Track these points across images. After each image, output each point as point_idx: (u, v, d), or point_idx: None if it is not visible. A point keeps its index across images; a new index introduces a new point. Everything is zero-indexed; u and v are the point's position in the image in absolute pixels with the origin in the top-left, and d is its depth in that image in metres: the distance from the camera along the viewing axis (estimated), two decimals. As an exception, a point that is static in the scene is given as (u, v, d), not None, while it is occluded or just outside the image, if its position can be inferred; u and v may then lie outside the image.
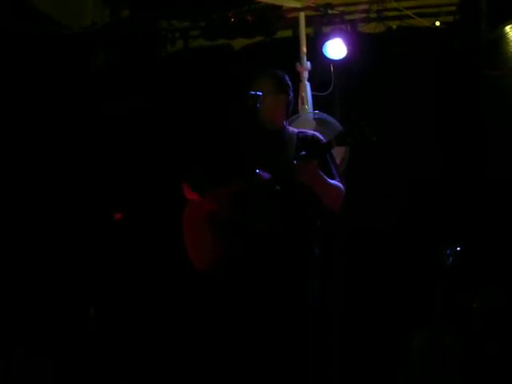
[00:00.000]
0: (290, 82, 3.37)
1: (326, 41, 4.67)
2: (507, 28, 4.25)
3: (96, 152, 4.84)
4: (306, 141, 3.27)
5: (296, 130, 3.37)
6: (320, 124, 4.30)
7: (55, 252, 4.56)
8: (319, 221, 3.27)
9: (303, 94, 4.56)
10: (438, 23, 4.75)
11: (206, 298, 3.36)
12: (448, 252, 4.10)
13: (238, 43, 5.12)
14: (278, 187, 3.07)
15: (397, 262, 4.67)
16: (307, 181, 3.06)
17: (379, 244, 4.72)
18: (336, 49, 4.66)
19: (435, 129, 4.84)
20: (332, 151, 3.24)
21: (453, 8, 4.81)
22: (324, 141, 3.26)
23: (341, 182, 3.24)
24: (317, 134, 3.38)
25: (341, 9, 4.78)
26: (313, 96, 4.61)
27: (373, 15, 4.84)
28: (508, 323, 3.95)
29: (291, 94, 3.37)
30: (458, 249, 4.10)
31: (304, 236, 3.18)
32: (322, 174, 3.11)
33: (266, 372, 3.07)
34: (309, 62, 4.64)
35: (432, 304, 4.06)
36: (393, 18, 4.85)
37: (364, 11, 4.82)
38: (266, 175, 3.11)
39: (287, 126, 3.39)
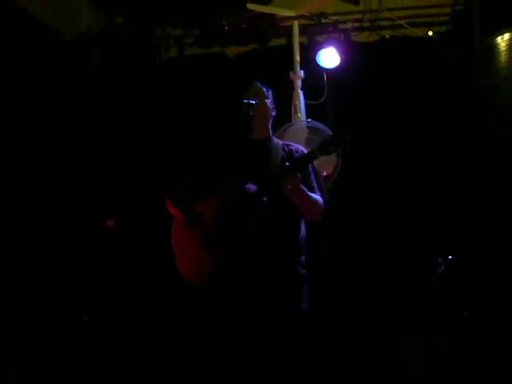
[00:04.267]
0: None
1: (320, 49, 4.70)
2: (498, 39, 4.29)
3: (87, 159, 4.83)
4: (290, 153, 3.29)
5: (281, 142, 3.39)
6: (313, 132, 4.31)
7: (47, 256, 4.54)
8: (304, 228, 3.28)
9: (296, 102, 4.57)
10: (430, 33, 4.79)
11: (197, 305, 3.36)
12: (440, 260, 4.12)
13: (232, 51, 5.14)
14: (264, 199, 3.08)
15: (391, 267, 4.68)
16: (289, 193, 3.07)
17: (373, 249, 4.73)
18: (329, 57, 4.69)
19: (428, 136, 4.86)
20: (315, 164, 3.26)
21: (445, 18, 4.86)
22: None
23: (322, 196, 3.24)
24: (301, 147, 3.40)
25: (334, 18, 4.81)
26: (306, 104, 4.62)
27: (366, 24, 4.88)
28: (501, 329, 3.96)
29: (273, 103, 3.41)
30: (450, 257, 4.12)
31: (289, 244, 3.19)
32: (304, 187, 3.11)
33: (256, 377, 3.08)
34: (302, 71, 4.64)
35: (427, 310, 4.08)
36: (386, 28, 4.90)
37: (357, 20, 4.85)
38: (253, 187, 3.12)
39: (272, 137, 3.41)
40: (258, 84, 3.39)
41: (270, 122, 3.41)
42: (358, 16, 4.84)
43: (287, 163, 3.08)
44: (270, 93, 3.42)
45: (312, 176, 3.26)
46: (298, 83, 4.62)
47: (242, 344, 3.09)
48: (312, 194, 3.18)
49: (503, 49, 4.25)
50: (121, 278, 4.79)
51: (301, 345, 3.15)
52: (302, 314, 3.18)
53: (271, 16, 4.88)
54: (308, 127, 4.37)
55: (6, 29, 4.27)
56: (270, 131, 3.42)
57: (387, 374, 4.33)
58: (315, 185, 3.24)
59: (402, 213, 4.73)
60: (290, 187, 3.03)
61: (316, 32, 4.82)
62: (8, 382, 4.11)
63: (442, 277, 4.07)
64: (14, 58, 4.38)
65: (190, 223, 3.17)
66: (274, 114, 3.43)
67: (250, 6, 4.64)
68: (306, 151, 3.34)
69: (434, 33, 4.79)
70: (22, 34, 4.40)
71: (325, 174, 4.15)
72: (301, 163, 3.12)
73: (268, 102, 3.37)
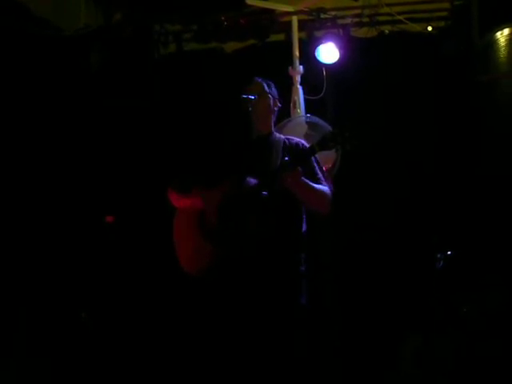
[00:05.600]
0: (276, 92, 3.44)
1: (319, 45, 4.69)
2: (498, 34, 4.28)
3: (87, 155, 4.83)
4: (291, 148, 3.30)
5: (283, 137, 3.39)
6: (312, 128, 4.31)
7: (46, 254, 4.54)
8: (305, 225, 3.28)
9: (295, 97, 4.57)
10: (430, 28, 4.79)
11: (197, 301, 3.36)
12: (438, 256, 4.12)
13: (231, 47, 5.13)
14: (264, 193, 3.08)
15: (393, 263, 4.69)
16: (291, 187, 3.07)
17: (375, 245, 4.74)
18: (328, 53, 4.69)
19: (428, 131, 4.87)
20: (317, 155, 3.25)
21: (444, 13, 4.85)
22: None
23: (327, 185, 3.25)
24: (302, 141, 3.41)
25: (333, 13, 4.81)
26: (305, 100, 4.62)
27: (365, 20, 4.88)
28: (503, 326, 3.96)
29: (278, 103, 3.42)
30: (449, 253, 4.12)
31: (290, 240, 3.19)
32: (306, 180, 3.11)
33: (255, 374, 3.08)
34: (301, 66, 4.65)
35: (428, 307, 4.08)
36: (385, 23, 4.89)
37: (356, 16, 4.85)
38: (253, 181, 3.12)
39: (274, 132, 3.42)
40: (259, 79, 3.39)
41: (272, 117, 3.41)
42: (357, 11, 4.84)
43: (286, 158, 3.09)
44: (274, 88, 3.41)
45: (316, 168, 3.26)
46: (297, 78, 4.62)
47: (238, 339, 3.10)
48: (317, 185, 3.18)
49: (503, 44, 4.24)
50: (120, 275, 4.79)
51: (300, 340, 3.16)
52: (301, 310, 3.18)
53: (270, 11, 4.87)
54: (307, 122, 4.37)
55: (5, 24, 4.26)
56: (272, 127, 3.42)
57: (387, 372, 4.33)
58: (320, 175, 3.24)
59: (402, 209, 4.74)
60: (289, 180, 3.03)
61: (315, 27, 4.81)
62: (8, 382, 4.11)
63: (441, 273, 4.07)
64: (14, 53, 4.36)
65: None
66: (276, 108, 3.41)
67: (249, 1, 4.64)
68: (306, 144, 3.34)
69: (433, 28, 4.79)
70: (21, 30, 4.39)
71: (324, 169, 4.15)
72: (300, 157, 3.12)
73: (270, 97, 3.36)
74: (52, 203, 4.60)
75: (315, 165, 3.26)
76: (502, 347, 3.87)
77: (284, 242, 3.15)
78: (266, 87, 3.37)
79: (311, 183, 3.15)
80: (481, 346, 3.92)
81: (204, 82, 5.05)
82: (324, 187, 3.21)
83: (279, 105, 3.43)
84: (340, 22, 4.82)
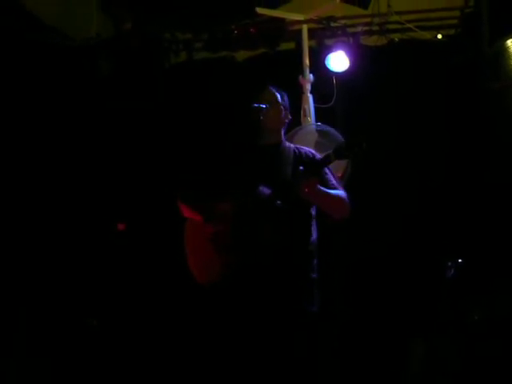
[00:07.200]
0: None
1: (329, 53, 4.71)
2: (508, 42, 4.29)
3: (98, 162, 4.85)
4: (301, 157, 3.29)
5: (292, 146, 3.39)
6: (322, 136, 4.32)
7: (58, 260, 4.56)
8: (315, 232, 3.29)
9: (306, 106, 4.58)
10: (439, 36, 4.80)
11: (208, 309, 3.37)
12: (449, 264, 4.12)
13: (242, 55, 5.15)
14: (278, 202, 3.08)
15: (403, 271, 4.68)
16: (308, 196, 3.08)
17: (382, 255, 4.74)
18: (338, 61, 4.70)
19: (438, 139, 4.87)
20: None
21: (454, 21, 4.86)
22: (318, 157, 3.29)
23: (342, 190, 3.26)
24: (312, 150, 3.40)
25: (343, 22, 4.83)
26: (315, 108, 4.63)
27: (375, 28, 4.89)
28: (510, 331, 3.96)
29: (289, 115, 3.43)
30: (460, 261, 4.12)
31: (303, 247, 3.19)
32: (322, 187, 3.11)
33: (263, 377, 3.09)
34: (311, 75, 4.66)
35: (437, 315, 4.08)
36: (395, 31, 4.91)
37: (366, 24, 4.86)
38: (267, 190, 3.13)
39: (284, 141, 3.40)
40: (272, 89, 3.38)
41: (283, 127, 3.41)
42: (367, 20, 4.86)
43: (301, 167, 3.07)
44: (286, 97, 3.41)
45: (329, 175, 3.26)
46: (308, 87, 4.63)
47: (250, 346, 3.10)
48: (333, 191, 3.18)
49: (513, 52, 4.26)
50: (131, 282, 4.80)
51: (312, 347, 3.16)
52: (313, 317, 3.18)
53: (280, 20, 4.89)
54: (317, 131, 4.37)
55: (13, 32, 4.29)
56: (283, 136, 3.41)
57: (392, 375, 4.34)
58: (334, 181, 3.25)
59: (413, 215, 4.74)
60: (306, 189, 3.04)
61: (325, 36, 4.83)
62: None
63: (452, 280, 4.07)
64: (21, 61, 4.39)
65: (209, 219, 3.18)
66: (287, 120, 3.41)
67: (260, 10, 4.67)
68: (316, 154, 3.35)
69: (443, 36, 4.80)
70: (30, 38, 4.42)
71: (335, 177, 4.17)
72: (316, 167, 3.12)
73: (281, 108, 3.35)
74: (64, 210, 4.62)
75: (328, 172, 3.26)
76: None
77: (297, 249, 3.15)
78: (279, 97, 3.36)
79: (327, 190, 3.15)
80: (489, 350, 3.91)
81: (215, 90, 5.06)
82: (340, 192, 3.22)
83: (290, 117, 3.43)
84: (350, 30, 4.84)
